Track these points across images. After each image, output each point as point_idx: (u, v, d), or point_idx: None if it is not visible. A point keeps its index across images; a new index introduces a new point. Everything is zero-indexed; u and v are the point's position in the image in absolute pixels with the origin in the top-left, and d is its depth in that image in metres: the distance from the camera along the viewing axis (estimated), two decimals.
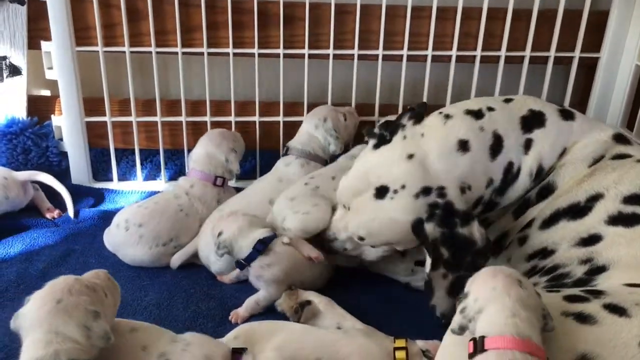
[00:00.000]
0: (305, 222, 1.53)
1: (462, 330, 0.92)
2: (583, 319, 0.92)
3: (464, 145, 1.31)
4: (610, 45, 2.05)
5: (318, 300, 1.39)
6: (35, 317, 0.94)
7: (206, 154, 1.82)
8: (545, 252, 1.29)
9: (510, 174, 1.34)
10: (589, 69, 2.17)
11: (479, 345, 0.85)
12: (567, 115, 1.38)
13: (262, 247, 1.47)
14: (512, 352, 0.82)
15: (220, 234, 1.48)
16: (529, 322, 0.85)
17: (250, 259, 1.47)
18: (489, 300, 0.89)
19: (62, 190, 1.90)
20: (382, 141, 1.36)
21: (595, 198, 1.27)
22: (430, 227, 1.26)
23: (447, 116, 1.35)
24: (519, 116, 1.36)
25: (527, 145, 1.34)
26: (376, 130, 1.41)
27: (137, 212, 1.65)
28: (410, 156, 1.30)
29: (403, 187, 1.28)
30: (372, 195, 1.32)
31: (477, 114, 1.35)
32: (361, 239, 1.38)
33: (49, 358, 0.89)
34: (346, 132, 1.94)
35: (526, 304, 0.88)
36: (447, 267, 1.25)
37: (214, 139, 1.84)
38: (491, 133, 1.33)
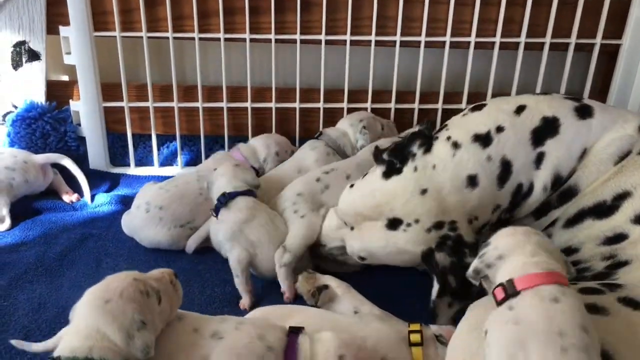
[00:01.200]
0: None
1: (476, 274, 0.95)
2: (596, 310, 0.92)
3: (472, 181, 1.29)
4: (633, 32, 2.01)
5: (336, 284, 1.39)
6: (82, 310, 0.95)
7: (255, 147, 1.92)
8: (569, 251, 1.27)
9: (520, 194, 1.32)
10: (610, 56, 2.14)
11: (509, 289, 0.87)
12: (584, 113, 1.31)
13: (223, 199, 1.50)
14: (544, 287, 0.85)
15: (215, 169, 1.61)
16: (551, 259, 0.90)
17: (216, 209, 1.51)
18: (510, 247, 0.93)
19: (79, 174, 1.91)
20: (392, 169, 1.33)
21: (622, 197, 1.23)
22: (440, 257, 1.26)
23: (456, 145, 1.31)
24: (530, 130, 1.30)
25: (539, 159, 1.30)
26: (385, 156, 1.37)
27: (158, 194, 1.66)
28: (424, 191, 1.28)
29: (417, 221, 1.28)
30: (384, 225, 1.31)
31: (486, 140, 1.30)
32: (362, 258, 1.40)
33: (82, 351, 0.90)
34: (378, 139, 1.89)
35: (545, 247, 0.93)
36: (453, 296, 1.26)
37: (272, 142, 1.94)
38: (499, 162, 1.29)
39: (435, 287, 1.29)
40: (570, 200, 1.31)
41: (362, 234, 1.36)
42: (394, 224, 1.30)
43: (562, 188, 1.31)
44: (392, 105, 2.11)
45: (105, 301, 0.95)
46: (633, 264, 1.11)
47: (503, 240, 0.95)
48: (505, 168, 1.29)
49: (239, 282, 1.44)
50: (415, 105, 2.12)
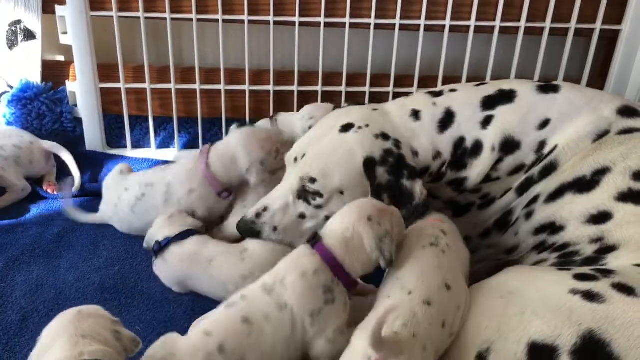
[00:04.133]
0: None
1: None
2: (591, 297, 0.92)
3: (416, 114, 1.40)
4: (633, 18, 2.00)
5: None
6: (58, 326, 0.94)
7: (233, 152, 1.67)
8: (554, 228, 1.28)
9: (462, 148, 1.37)
10: (609, 41, 2.13)
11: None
12: (547, 89, 1.39)
13: (157, 247, 1.42)
14: None
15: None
16: None
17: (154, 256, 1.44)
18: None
19: (76, 171, 1.88)
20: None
21: (601, 172, 1.25)
22: (380, 171, 1.31)
23: (410, 94, 1.48)
24: (482, 96, 1.41)
25: (487, 121, 1.37)
26: None
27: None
28: (375, 109, 1.43)
29: (367, 125, 1.37)
30: (338, 130, 1.38)
31: (437, 94, 1.45)
32: (312, 180, 1.33)
33: (74, 358, 0.88)
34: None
35: None
36: None
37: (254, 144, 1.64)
38: (444, 109, 1.40)
39: None
40: (550, 175, 1.33)
41: (315, 151, 1.37)
42: (346, 127, 1.37)
43: (544, 163, 1.34)
44: (390, 89, 2.11)
45: (79, 311, 0.97)
46: (621, 249, 1.12)
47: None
48: (448, 116, 1.39)
49: None
50: (414, 90, 2.11)
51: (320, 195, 1.34)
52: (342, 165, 1.33)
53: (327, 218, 1.25)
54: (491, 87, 1.42)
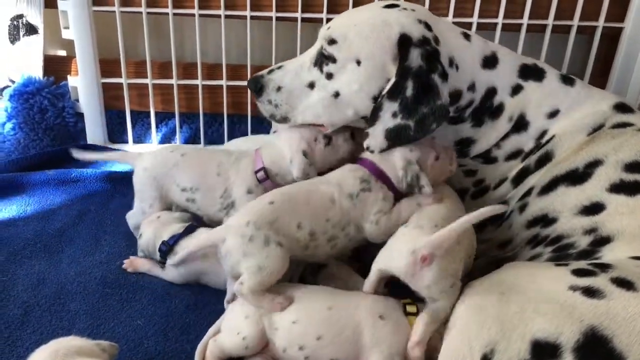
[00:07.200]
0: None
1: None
2: (591, 293, 0.92)
3: (467, 36, 1.36)
4: (635, 16, 2.00)
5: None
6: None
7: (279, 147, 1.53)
8: (547, 220, 1.28)
9: (490, 101, 1.36)
10: (611, 39, 2.13)
11: None
12: (566, 80, 1.41)
13: (165, 248, 1.38)
14: None
15: (140, 235, 1.44)
16: None
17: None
18: None
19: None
20: None
21: (593, 164, 1.27)
22: (414, 53, 1.24)
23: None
24: (522, 62, 1.40)
25: (516, 89, 1.37)
26: None
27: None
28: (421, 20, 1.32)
29: (413, 10, 1.32)
30: (380, 7, 1.32)
31: (489, 45, 1.40)
32: (332, 42, 1.29)
33: None
34: None
35: None
36: (402, 105, 1.24)
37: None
38: (490, 51, 1.37)
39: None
40: (546, 165, 1.35)
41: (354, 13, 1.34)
42: (391, 6, 1.32)
43: (540, 152, 1.36)
44: None
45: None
46: (615, 241, 1.12)
47: None
48: (493, 59, 1.36)
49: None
50: None
51: (334, 61, 1.29)
52: (371, 33, 1.26)
53: (337, 96, 1.27)
54: (528, 59, 1.42)
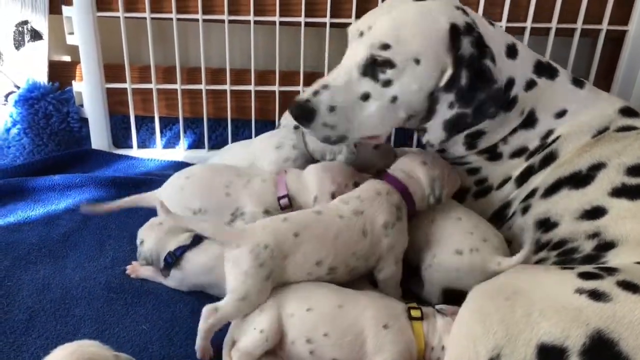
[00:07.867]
0: None
1: None
2: (597, 296, 0.92)
3: (492, 23, 1.38)
4: (639, 19, 1.99)
5: None
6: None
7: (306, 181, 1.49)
8: (548, 224, 1.28)
9: (509, 91, 1.35)
10: (615, 42, 2.12)
11: None
12: (576, 82, 1.42)
13: (170, 259, 1.35)
14: None
15: (142, 242, 1.40)
16: None
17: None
18: None
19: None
20: None
21: (596, 167, 1.27)
22: (465, 41, 1.25)
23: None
24: (537, 58, 1.42)
25: (530, 84, 1.38)
26: None
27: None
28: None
29: None
30: (412, 1, 1.30)
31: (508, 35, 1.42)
32: (385, 47, 1.24)
33: None
34: None
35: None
36: (458, 95, 1.25)
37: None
38: (512, 40, 1.39)
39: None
40: (550, 165, 1.35)
41: (387, 16, 1.29)
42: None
43: (545, 152, 1.37)
44: None
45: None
46: (620, 246, 1.12)
47: None
48: (514, 49, 1.38)
49: None
50: None
51: (392, 66, 1.24)
52: (423, 30, 1.24)
53: (394, 100, 1.26)
54: (544, 59, 1.44)
